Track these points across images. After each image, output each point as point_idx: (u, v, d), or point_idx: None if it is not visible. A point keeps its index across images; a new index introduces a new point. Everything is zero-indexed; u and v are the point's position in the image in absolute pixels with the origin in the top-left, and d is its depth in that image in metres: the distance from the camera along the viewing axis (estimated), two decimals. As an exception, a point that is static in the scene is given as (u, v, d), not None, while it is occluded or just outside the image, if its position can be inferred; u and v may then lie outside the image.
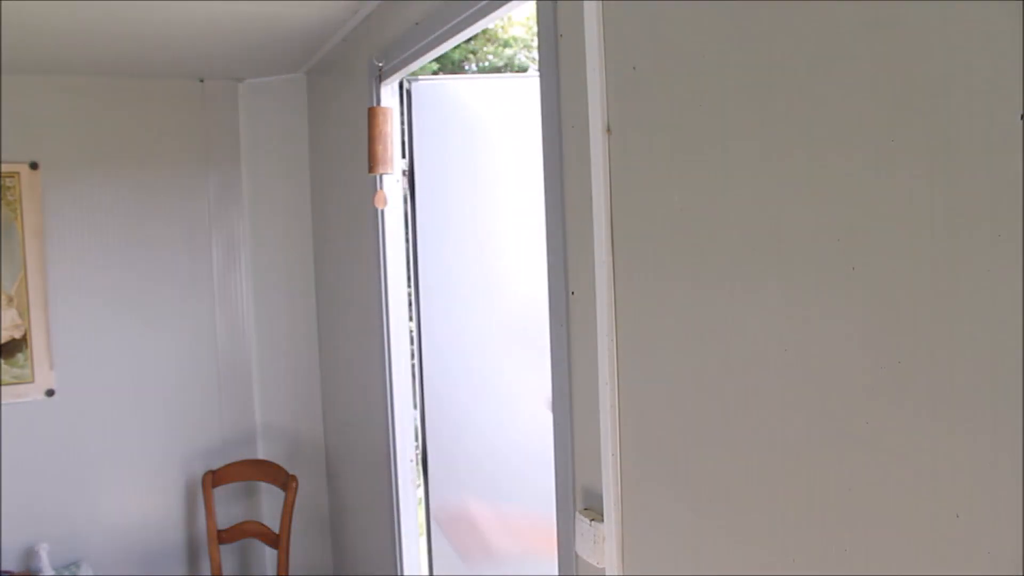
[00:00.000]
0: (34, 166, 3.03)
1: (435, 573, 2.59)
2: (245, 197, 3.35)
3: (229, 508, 3.26)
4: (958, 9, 0.77)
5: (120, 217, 3.17)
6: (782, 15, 0.97)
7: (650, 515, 1.30)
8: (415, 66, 2.29)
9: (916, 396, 0.83)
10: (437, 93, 2.59)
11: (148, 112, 3.21)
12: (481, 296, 2.59)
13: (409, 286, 2.53)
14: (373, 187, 2.47)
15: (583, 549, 1.48)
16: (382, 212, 2.46)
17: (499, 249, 2.59)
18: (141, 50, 2.80)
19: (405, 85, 2.46)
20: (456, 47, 2.31)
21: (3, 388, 3.01)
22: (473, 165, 2.63)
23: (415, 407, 2.59)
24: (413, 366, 2.58)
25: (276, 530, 3.10)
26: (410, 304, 2.55)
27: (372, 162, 2.34)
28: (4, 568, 2.99)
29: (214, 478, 3.16)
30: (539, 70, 1.55)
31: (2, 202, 2.99)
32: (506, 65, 10.14)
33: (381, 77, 2.40)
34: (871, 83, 0.86)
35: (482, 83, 2.62)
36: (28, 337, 3.04)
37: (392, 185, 2.45)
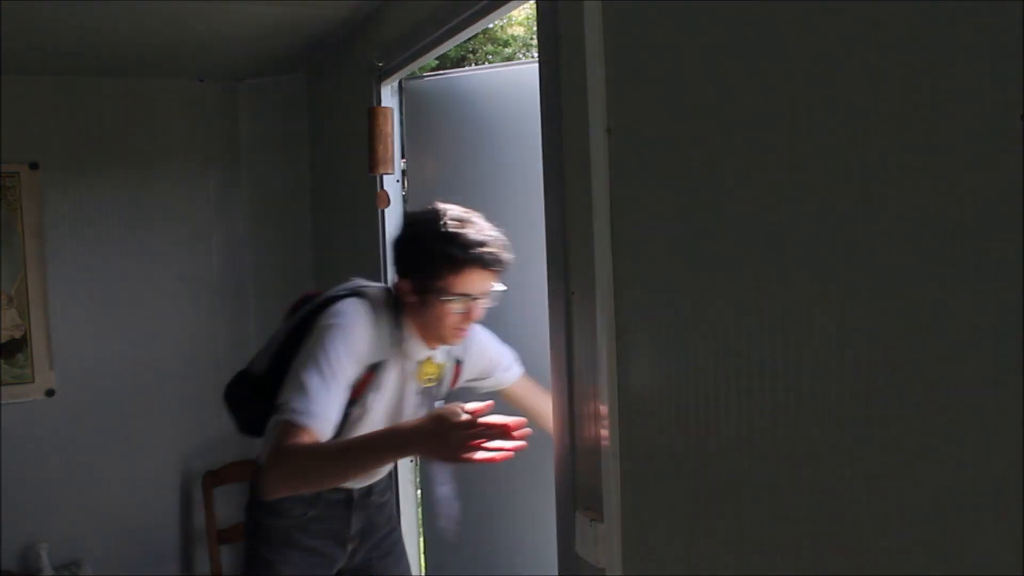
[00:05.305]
0: (34, 166, 3.03)
1: (433, 573, 2.59)
2: (245, 197, 3.35)
3: (229, 508, 3.26)
4: (958, 9, 0.77)
5: (120, 217, 3.17)
6: (782, 15, 0.98)
7: (650, 515, 1.30)
8: (415, 66, 2.29)
9: (916, 397, 0.83)
10: (434, 90, 2.58)
11: (148, 112, 3.21)
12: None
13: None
14: (373, 187, 2.47)
15: (583, 549, 1.48)
16: (382, 212, 2.46)
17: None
18: (141, 50, 2.80)
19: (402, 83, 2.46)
20: (455, 46, 2.31)
21: (3, 388, 3.01)
22: (472, 162, 2.62)
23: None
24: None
25: (276, 530, 3.09)
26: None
27: (372, 162, 2.34)
28: (4, 568, 2.99)
29: (214, 478, 3.15)
30: (539, 71, 1.55)
31: (2, 202, 2.99)
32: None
33: (381, 77, 2.40)
34: (871, 83, 0.86)
35: (478, 76, 2.61)
36: (28, 337, 3.04)
37: (392, 185, 2.44)
